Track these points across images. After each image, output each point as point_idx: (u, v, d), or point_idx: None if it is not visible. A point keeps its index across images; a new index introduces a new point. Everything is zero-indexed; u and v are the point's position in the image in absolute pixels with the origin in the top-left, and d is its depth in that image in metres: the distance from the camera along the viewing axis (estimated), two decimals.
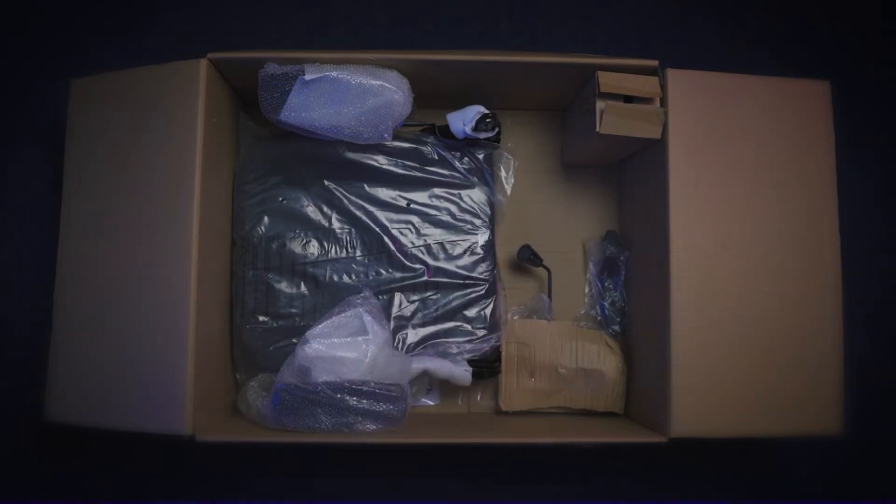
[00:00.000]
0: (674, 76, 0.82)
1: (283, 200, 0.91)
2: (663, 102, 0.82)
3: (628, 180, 1.00)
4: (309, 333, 0.83)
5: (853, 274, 0.84)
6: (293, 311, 0.90)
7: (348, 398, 0.78)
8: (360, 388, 0.79)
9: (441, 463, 1.00)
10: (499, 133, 0.93)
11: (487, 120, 0.90)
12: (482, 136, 0.91)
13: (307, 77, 0.82)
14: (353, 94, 0.83)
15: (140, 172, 0.80)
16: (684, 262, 0.80)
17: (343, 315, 0.85)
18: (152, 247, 0.79)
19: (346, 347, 0.81)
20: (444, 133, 0.93)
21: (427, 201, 0.93)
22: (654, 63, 0.83)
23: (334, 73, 0.82)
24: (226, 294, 0.92)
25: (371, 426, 0.80)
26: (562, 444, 0.88)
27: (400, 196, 0.93)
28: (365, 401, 0.79)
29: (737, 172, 0.82)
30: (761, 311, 0.81)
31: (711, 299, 0.80)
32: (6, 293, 1.01)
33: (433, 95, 0.89)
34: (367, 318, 0.83)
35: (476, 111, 0.90)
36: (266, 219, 0.91)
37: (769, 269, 0.81)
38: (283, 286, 0.90)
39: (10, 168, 1.04)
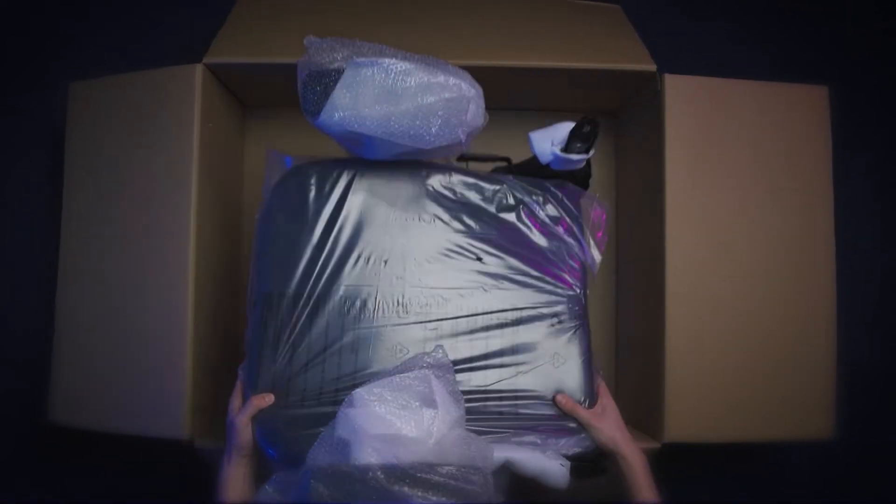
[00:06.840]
0: (671, 81, 0.82)
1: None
2: (661, 107, 0.82)
3: (625, 184, 1.00)
4: (357, 393, 0.59)
5: (849, 278, 0.84)
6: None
7: (410, 490, 0.52)
8: (428, 476, 0.52)
9: None
10: (589, 164, 0.73)
11: (586, 128, 0.69)
12: (575, 157, 0.71)
13: (356, 65, 0.62)
14: (414, 90, 0.63)
15: (139, 175, 0.81)
16: (680, 267, 0.80)
17: (404, 375, 0.61)
18: (152, 249, 0.79)
19: (404, 418, 0.57)
20: (521, 169, 0.77)
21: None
22: (653, 68, 0.83)
23: (397, 64, 0.62)
24: (226, 295, 0.92)
25: None
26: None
27: (470, 245, 0.71)
28: (433, 497, 0.52)
29: (733, 177, 0.82)
30: (755, 316, 0.81)
31: (706, 304, 0.80)
32: (6, 293, 1.02)
33: None
34: (437, 385, 0.60)
35: (569, 128, 0.71)
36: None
37: (764, 274, 0.81)
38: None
39: (10, 169, 1.04)
